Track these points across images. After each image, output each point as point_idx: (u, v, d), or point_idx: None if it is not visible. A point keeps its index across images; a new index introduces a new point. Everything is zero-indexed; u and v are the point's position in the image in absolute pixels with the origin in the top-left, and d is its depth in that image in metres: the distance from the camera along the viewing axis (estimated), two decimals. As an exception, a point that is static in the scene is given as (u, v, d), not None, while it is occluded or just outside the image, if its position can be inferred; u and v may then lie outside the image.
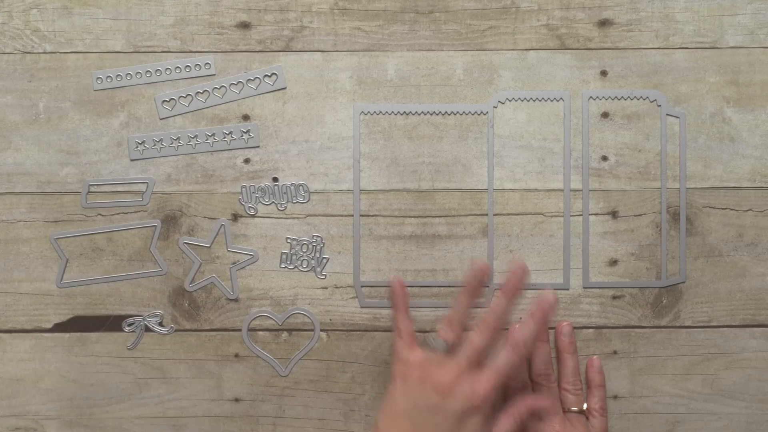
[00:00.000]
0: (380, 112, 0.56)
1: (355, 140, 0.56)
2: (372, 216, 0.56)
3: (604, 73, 0.56)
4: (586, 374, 0.55)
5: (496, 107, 0.56)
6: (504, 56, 0.56)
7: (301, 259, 0.56)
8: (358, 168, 0.56)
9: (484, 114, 0.56)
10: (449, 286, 0.56)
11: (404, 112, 0.56)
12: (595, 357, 0.55)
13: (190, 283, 0.56)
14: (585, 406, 0.54)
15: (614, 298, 0.56)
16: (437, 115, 0.56)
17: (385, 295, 0.56)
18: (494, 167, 0.56)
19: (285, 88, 0.56)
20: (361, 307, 0.56)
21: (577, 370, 0.54)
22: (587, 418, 0.53)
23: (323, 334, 0.56)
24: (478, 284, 0.51)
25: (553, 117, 0.56)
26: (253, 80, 0.56)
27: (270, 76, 0.56)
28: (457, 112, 0.56)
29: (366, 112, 0.56)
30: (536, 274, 0.56)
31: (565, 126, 0.56)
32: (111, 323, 0.56)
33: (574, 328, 0.56)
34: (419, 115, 0.56)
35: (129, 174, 0.56)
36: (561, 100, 0.56)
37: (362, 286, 0.56)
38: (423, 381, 0.48)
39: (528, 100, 0.56)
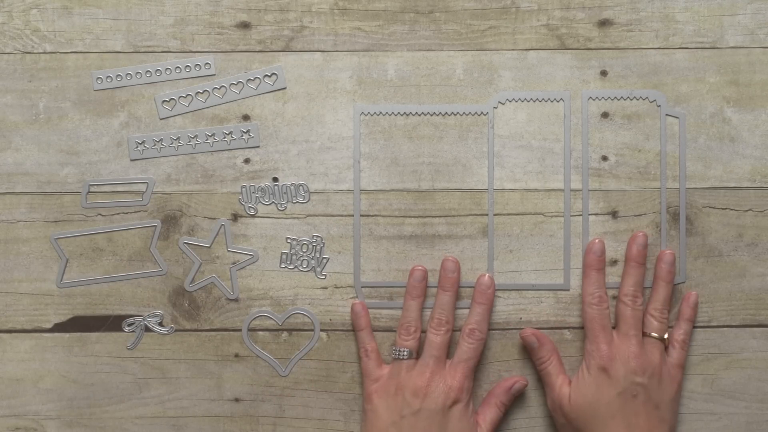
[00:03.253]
0: (380, 112, 0.56)
1: (355, 140, 0.56)
2: (372, 216, 0.56)
3: (604, 73, 0.56)
4: (680, 306, 0.55)
5: (496, 107, 0.56)
6: (504, 56, 0.56)
7: (301, 259, 0.56)
8: (358, 168, 0.56)
9: (484, 114, 0.56)
10: (449, 286, 0.56)
11: (404, 112, 0.56)
12: (693, 293, 0.55)
13: (190, 283, 0.56)
14: (666, 336, 0.53)
15: (614, 298, 0.56)
16: (437, 115, 0.56)
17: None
18: (494, 167, 0.56)
19: (285, 88, 0.56)
20: (361, 307, 0.56)
21: (668, 300, 0.54)
22: (666, 347, 0.53)
23: (323, 334, 0.56)
24: (422, 286, 0.54)
25: (553, 117, 0.56)
26: (253, 80, 0.56)
27: (270, 76, 0.56)
28: (457, 112, 0.56)
29: (366, 113, 0.56)
30: (536, 274, 0.56)
31: (565, 126, 0.56)
32: (111, 323, 0.56)
33: (574, 328, 0.56)
34: (419, 115, 0.56)
35: (129, 174, 0.56)
36: (561, 101, 0.56)
37: (362, 287, 0.56)
38: (400, 390, 0.51)
39: (528, 101, 0.56)
